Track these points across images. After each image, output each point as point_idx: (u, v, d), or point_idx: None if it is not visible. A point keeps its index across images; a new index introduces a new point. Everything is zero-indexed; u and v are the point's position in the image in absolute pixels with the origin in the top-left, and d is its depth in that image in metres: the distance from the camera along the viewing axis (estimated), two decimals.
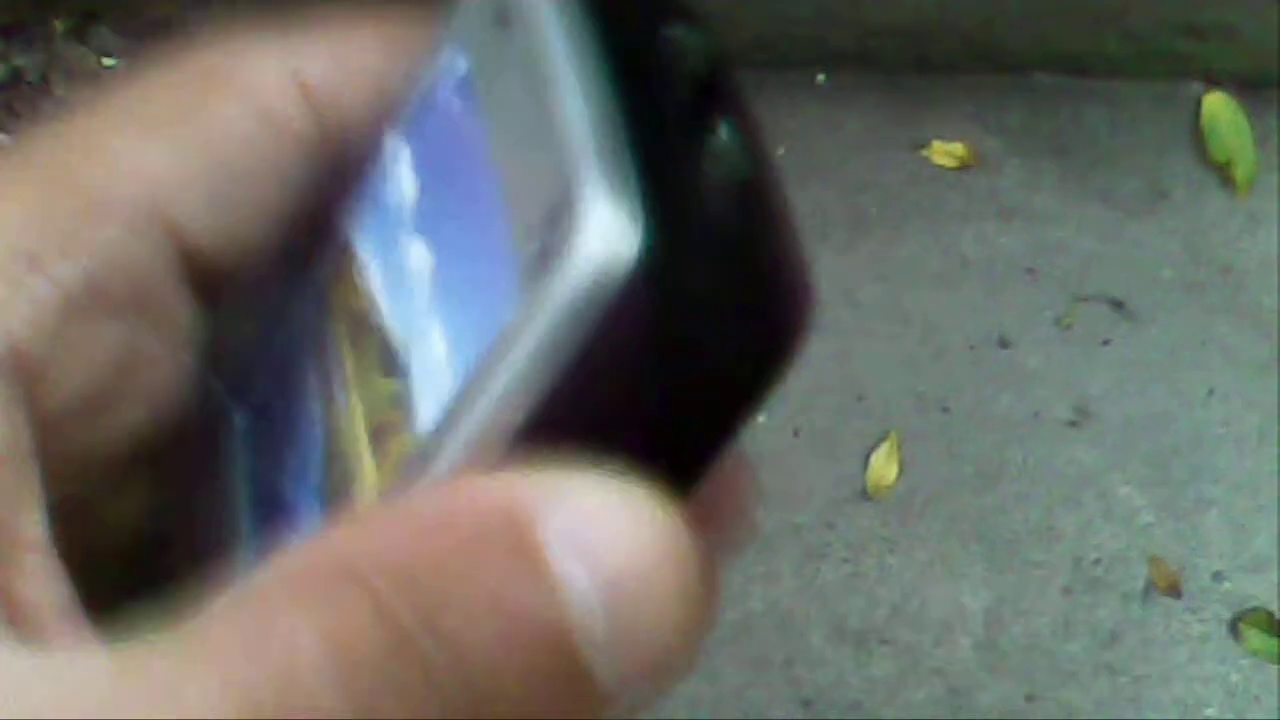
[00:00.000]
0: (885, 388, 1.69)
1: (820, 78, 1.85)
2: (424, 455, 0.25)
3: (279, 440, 0.30)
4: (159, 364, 0.28)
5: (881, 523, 1.63)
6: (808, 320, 0.24)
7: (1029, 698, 1.55)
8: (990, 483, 1.64)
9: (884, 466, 1.65)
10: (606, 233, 0.22)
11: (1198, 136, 1.78)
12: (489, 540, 0.22)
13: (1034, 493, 1.63)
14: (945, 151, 1.79)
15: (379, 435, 0.27)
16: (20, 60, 2.05)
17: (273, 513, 0.30)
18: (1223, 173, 1.76)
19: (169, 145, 0.27)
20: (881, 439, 1.66)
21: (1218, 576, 1.59)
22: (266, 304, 0.30)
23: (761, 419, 1.56)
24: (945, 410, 1.68)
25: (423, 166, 0.28)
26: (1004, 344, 1.71)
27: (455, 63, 0.27)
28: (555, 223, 0.23)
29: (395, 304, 0.27)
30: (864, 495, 1.64)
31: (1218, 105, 1.77)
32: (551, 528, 0.21)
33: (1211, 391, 1.67)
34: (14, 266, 0.25)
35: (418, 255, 0.27)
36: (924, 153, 1.80)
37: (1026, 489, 1.64)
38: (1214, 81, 1.79)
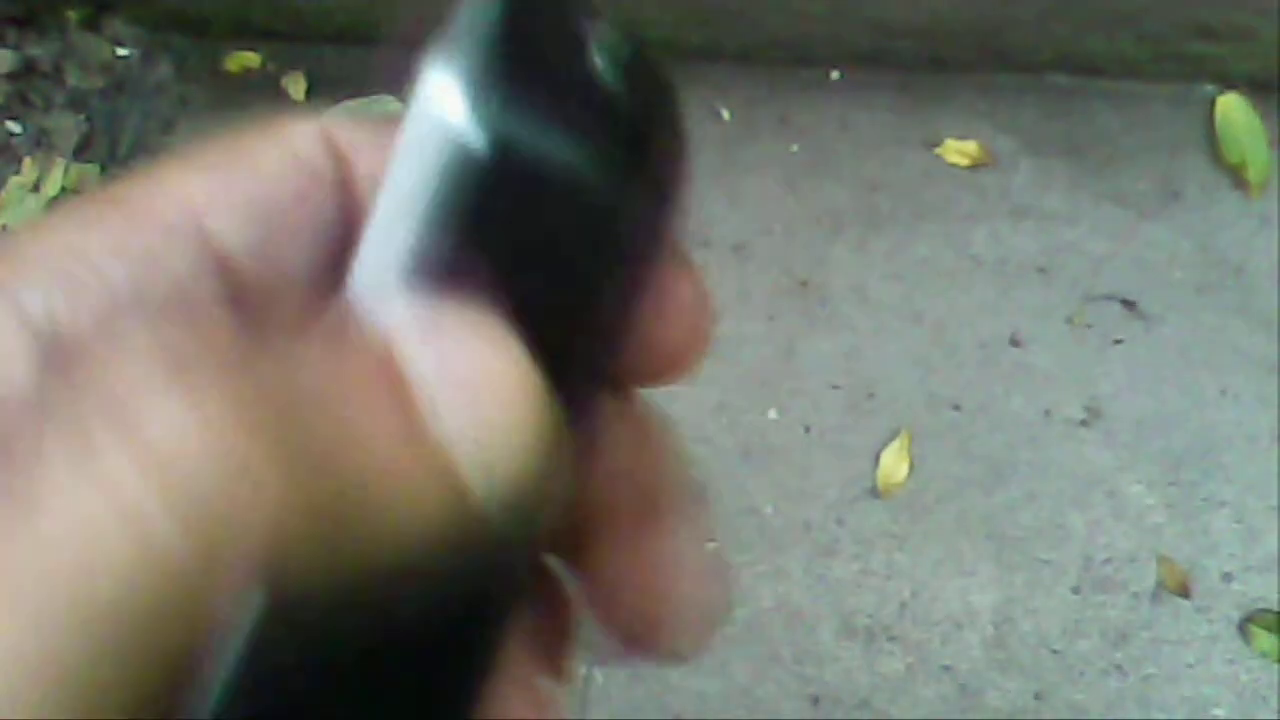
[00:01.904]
0: (896, 386, 1.70)
1: (835, 76, 1.85)
2: None
3: None
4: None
5: (891, 520, 1.63)
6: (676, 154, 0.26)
7: (1038, 696, 1.55)
8: (1001, 481, 1.64)
9: (894, 464, 1.65)
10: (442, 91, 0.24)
11: (1211, 138, 1.78)
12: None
13: (1044, 492, 1.64)
14: (958, 150, 1.80)
15: None
16: (34, 50, 2.06)
17: None
18: (1236, 174, 1.76)
19: (209, 175, 0.29)
20: (892, 437, 1.66)
21: (1227, 577, 1.59)
22: None
23: (773, 415, 1.57)
24: (956, 409, 1.68)
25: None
26: (1015, 343, 1.71)
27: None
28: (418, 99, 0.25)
29: None
30: (874, 493, 1.64)
31: (1231, 106, 1.77)
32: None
33: (1223, 392, 1.67)
34: (64, 258, 0.27)
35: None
36: (937, 152, 1.80)
37: (1037, 488, 1.64)
38: (1228, 83, 1.79)
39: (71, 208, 0.29)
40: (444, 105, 0.24)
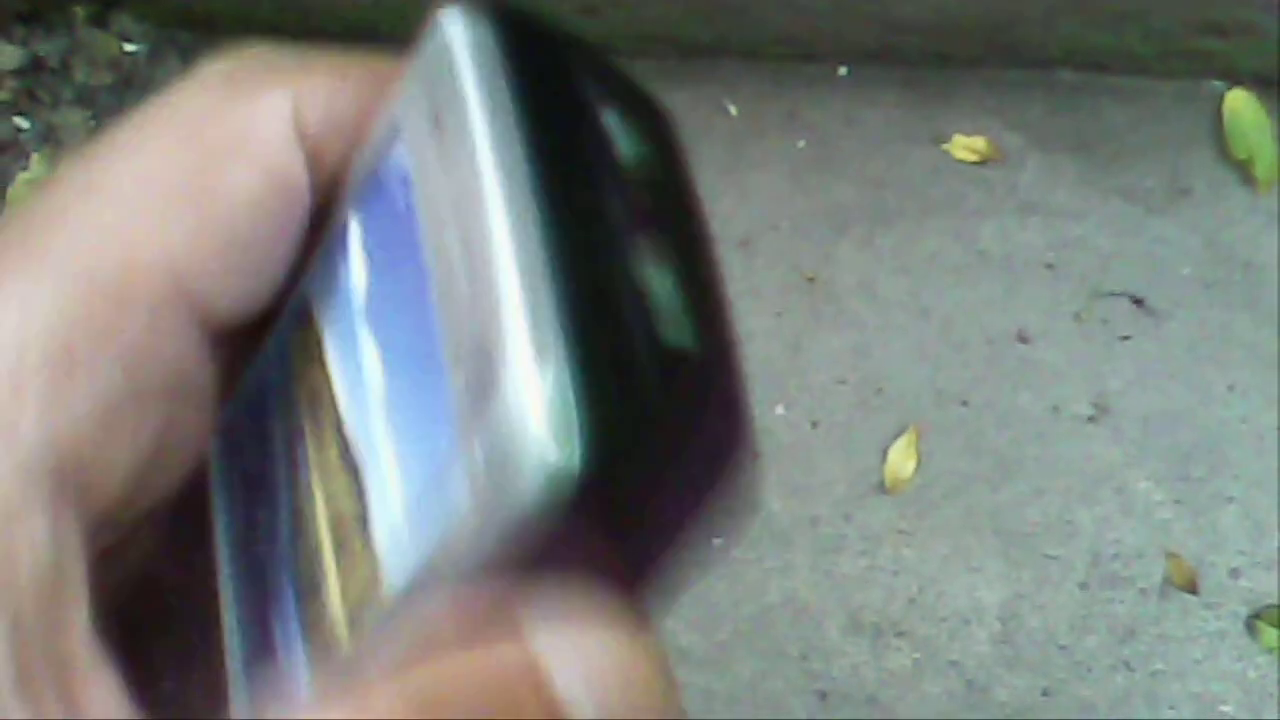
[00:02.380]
0: (904, 381, 1.69)
1: (842, 71, 1.85)
2: (388, 615, 0.26)
3: (251, 489, 0.31)
4: (191, 432, 0.29)
5: (899, 516, 1.63)
6: (746, 486, 0.25)
7: (1045, 692, 1.55)
8: (1008, 477, 1.64)
9: (902, 460, 1.65)
10: (541, 449, 0.22)
11: (1219, 133, 1.78)
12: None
13: (1052, 487, 1.64)
14: (966, 146, 1.79)
15: (339, 529, 0.28)
16: (41, 46, 2.06)
17: (250, 567, 0.31)
18: (1244, 170, 1.75)
19: (185, 224, 0.27)
20: (900, 432, 1.66)
21: (1235, 573, 1.59)
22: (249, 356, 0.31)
23: (780, 411, 1.57)
24: (964, 404, 1.68)
25: (372, 249, 0.28)
26: (1023, 339, 1.71)
27: (396, 146, 0.27)
28: (489, 413, 0.23)
29: (350, 397, 0.28)
30: (882, 488, 1.64)
31: (1239, 102, 1.77)
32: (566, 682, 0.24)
33: (1231, 388, 1.67)
34: (51, 372, 0.25)
35: (368, 350, 0.27)
36: (945, 147, 1.80)
37: (1044, 484, 1.64)
38: (1236, 79, 1.78)
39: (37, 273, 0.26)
40: (543, 466, 0.22)
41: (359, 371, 0.27)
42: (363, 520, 0.27)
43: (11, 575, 0.24)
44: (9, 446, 0.25)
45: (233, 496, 0.31)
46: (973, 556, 1.61)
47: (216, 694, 0.31)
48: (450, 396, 0.24)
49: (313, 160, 0.28)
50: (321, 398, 0.29)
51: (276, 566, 0.30)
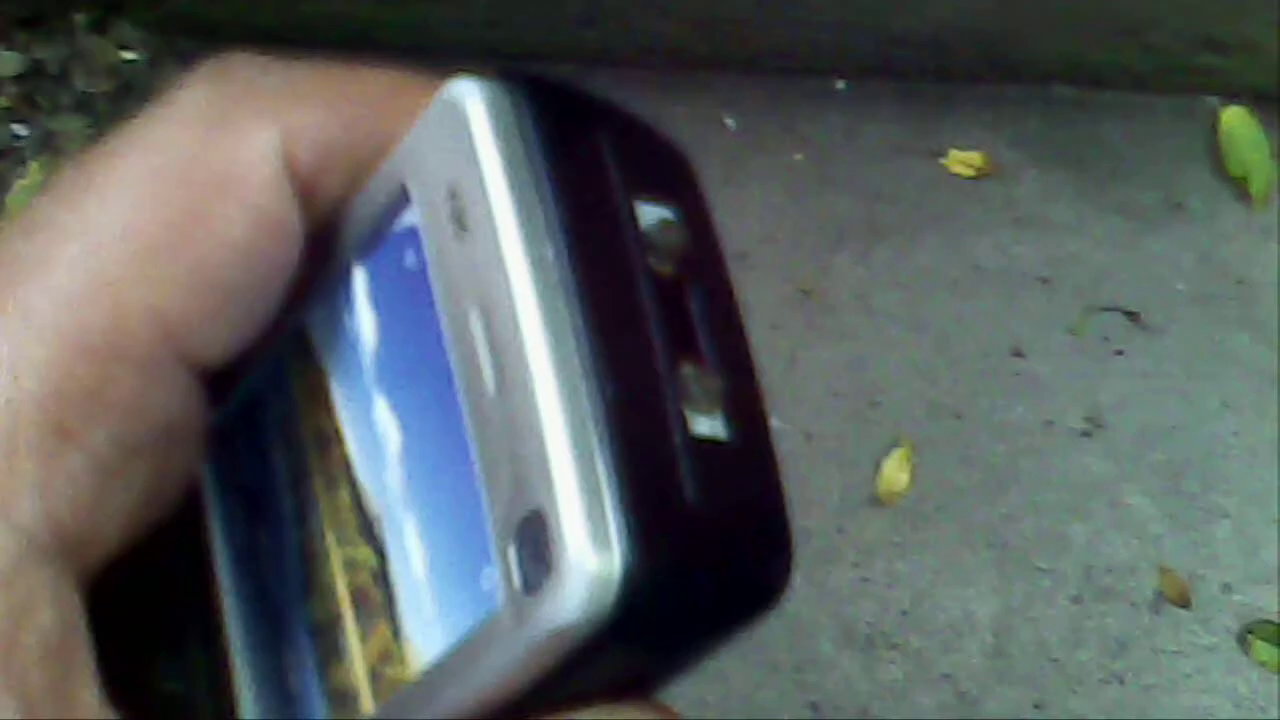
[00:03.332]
0: (898, 394, 1.70)
1: (840, 85, 1.86)
2: (415, 693, 0.26)
3: (250, 506, 0.31)
4: (182, 468, 0.28)
5: (892, 529, 1.63)
6: (784, 589, 0.24)
7: (1037, 705, 1.55)
8: (1002, 491, 1.65)
9: (896, 473, 1.65)
10: (584, 561, 0.22)
11: (1215, 150, 1.79)
12: None
13: (1045, 501, 1.64)
14: (963, 161, 1.80)
15: (362, 601, 0.27)
16: (41, 53, 2.06)
17: (254, 591, 0.31)
18: (1239, 186, 1.76)
19: (174, 274, 0.25)
20: (894, 445, 1.67)
21: (1227, 588, 1.59)
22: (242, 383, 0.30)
23: (775, 423, 1.58)
24: (958, 418, 1.68)
25: (381, 306, 0.27)
26: (1018, 353, 1.71)
27: (406, 211, 0.26)
28: (532, 539, 0.22)
29: (364, 454, 0.27)
30: (875, 501, 1.64)
31: (1235, 119, 1.78)
32: None
33: (1224, 403, 1.67)
34: (44, 442, 0.25)
35: (384, 414, 0.27)
36: (942, 162, 1.81)
37: (1038, 497, 1.64)
38: (1232, 96, 1.79)
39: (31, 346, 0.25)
40: (590, 590, 0.22)
41: (373, 431, 0.27)
42: (382, 580, 0.27)
43: (18, 655, 0.24)
44: (7, 524, 0.24)
45: (228, 505, 0.31)
46: (966, 569, 1.61)
47: (217, 696, 0.31)
48: (479, 490, 0.24)
49: (305, 198, 0.27)
50: (329, 443, 0.28)
51: (287, 601, 0.30)
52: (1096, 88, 1.82)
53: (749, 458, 0.24)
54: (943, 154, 1.81)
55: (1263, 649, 1.55)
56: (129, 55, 2.04)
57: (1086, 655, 1.57)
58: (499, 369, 0.23)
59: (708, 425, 0.24)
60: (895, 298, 1.75)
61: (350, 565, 0.28)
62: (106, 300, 0.25)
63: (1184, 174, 1.79)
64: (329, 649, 0.28)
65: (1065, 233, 1.77)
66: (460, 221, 0.24)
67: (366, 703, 0.27)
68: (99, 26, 2.05)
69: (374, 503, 0.27)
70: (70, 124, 2.02)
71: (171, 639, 0.32)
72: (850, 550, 1.62)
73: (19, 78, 2.05)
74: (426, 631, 0.25)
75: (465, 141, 0.24)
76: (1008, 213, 1.78)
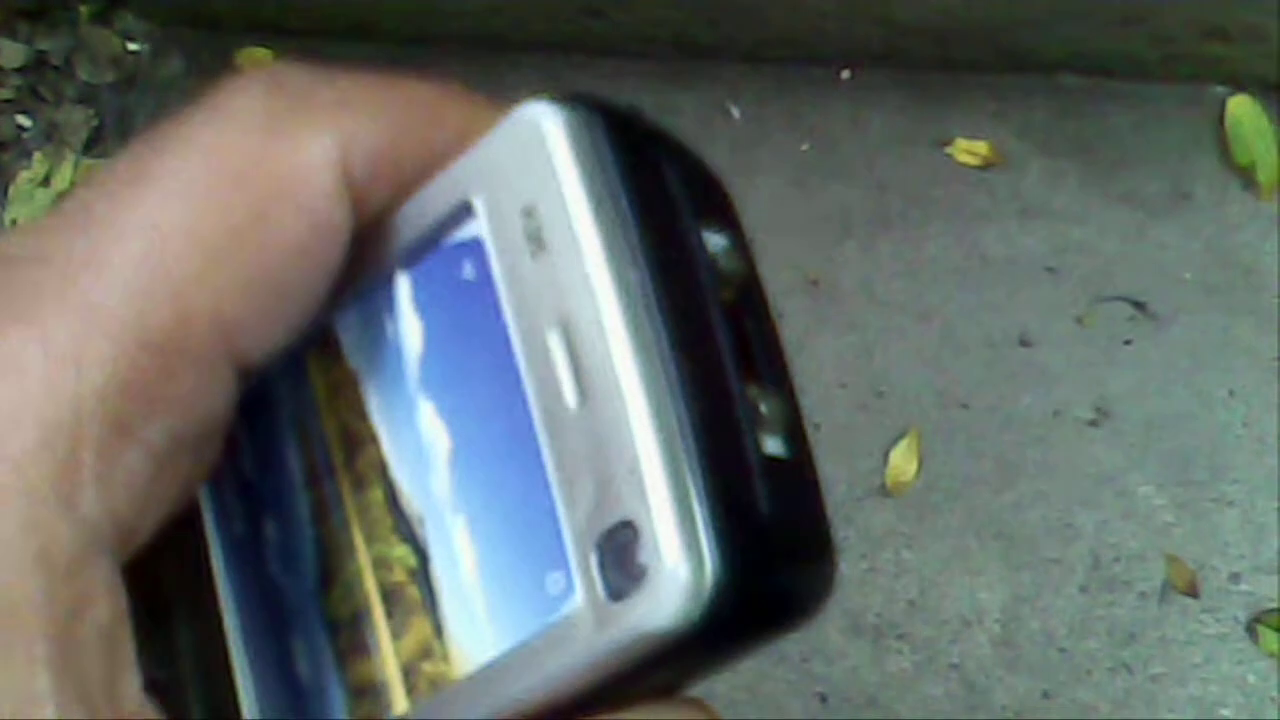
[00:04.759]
0: (905, 384, 1.70)
1: (845, 74, 1.85)
2: (464, 694, 0.27)
3: (255, 498, 0.31)
4: (212, 459, 0.29)
5: (900, 519, 1.63)
6: (830, 595, 0.27)
7: (1045, 695, 1.55)
8: (1009, 480, 1.64)
9: (903, 463, 1.65)
10: (681, 584, 0.23)
11: (1222, 139, 1.78)
12: None
13: (1053, 491, 1.64)
14: (969, 150, 1.80)
15: (395, 599, 0.28)
16: (45, 44, 2.06)
17: (260, 584, 0.31)
18: (1246, 175, 1.76)
19: (235, 275, 0.26)
20: (901, 435, 1.66)
21: (1235, 577, 1.59)
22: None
23: None
24: (965, 407, 1.68)
25: (431, 315, 0.28)
26: (1025, 343, 1.71)
27: (468, 224, 0.27)
28: (619, 548, 0.24)
29: (404, 457, 0.28)
30: (883, 491, 1.64)
31: (1242, 108, 1.77)
32: None
33: (1232, 393, 1.67)
34: (108, 438, 0.25)
35: (429, 419, 0.28)
36: (948, 151, 1.80)
37: (1046, 487, 1.64)
38: (1239, 84, 1.79)
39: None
40: (683, 601, 0.24)
41: (416, 435, 0.28)
42: (422, 579, 0.28)
43: (77, 649, 0.24)
44: (72, 516, 0.25)
45: (220, 493, 0.31)
46: (973, 559, 1.61)
47: (210, 683, 0.31)
48: (550, 499, 0.25)
49: (356, 205, 0.28)
50: (360, 443, 0.29)
51: (299, 593, 0.30)
52: (1103, 77, 1.82)
53: (803, 474, 0.26)
54: (949, 143, 1.80)
55: (1271, 638, 1.55)
56: (133, 46, 2.03)
57: (1094, 645, 1.57)
58: (582, 384, 0.25)
59: (774, 444, 0.25)
60: (901, 287, 1.74)
61: (382, 563, 0.28)
62: (171, 296, 0.26)
63: (1191, 163, 1.78)
64: (351, 643, 0.29)
65: (1072, 222, 1.77)
66: (537, 240, 0.25)
67: (398, 697, 0.28)
68: (103, 18, 2.05)
69: (414, 504, 0.28)
70: (74, 115, 2.02)
71: (157, 625, 0.32)
72: (858, 540, 1.62)
73: (22, 69, 2.05)
74: (477, 631, 0.27)
75: (545, 163, 0.25)
76: (1014, 202, 1.78)
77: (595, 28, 1.78)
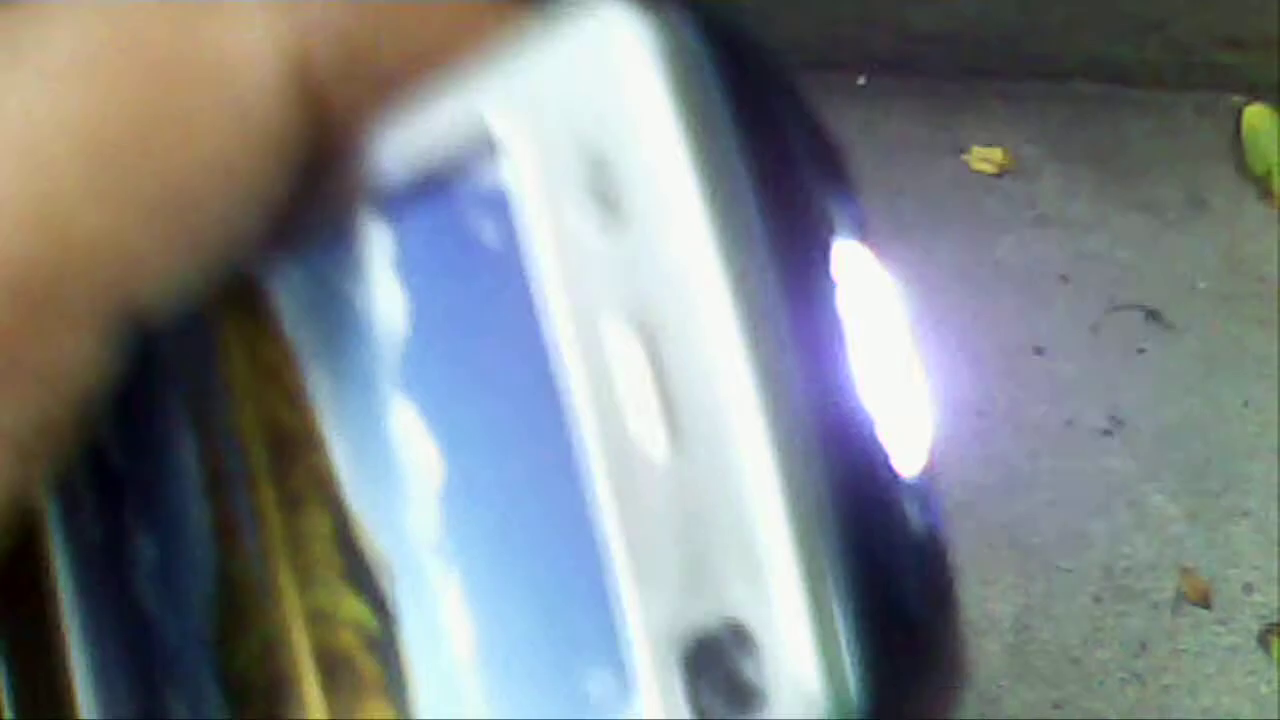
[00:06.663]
0: None
1: (861, 81, 1.85)
2: None
3: (116, 502, 0.23)
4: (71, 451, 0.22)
5: None
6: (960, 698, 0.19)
7: (1056, 705, 1.55)
8: (1022, 489, 1.64)
9: None
10: (807, 692, 0.16)
11: (1237, 148, 1.78)
12: None
13: (1066, 500, 1.63)
14: (984, 157, 1.79)
15: (338, 668, 0.21)
16: None
17: (116, 618, 0.23)
18: (1261, 184, 1.75)
19: (134, 193, 0.18)
20: None
21: (1248, 588, 1.58)
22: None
23: None
24: (979, 415, 1.68)
25: (422, 291, 0.20)
26: (1039, 351, 1.71)
27: (490, 168, 0.19)
28: (720, 656, 0.17)
29: (366, 483, 0.21)
30: None
31: (1258, 117, 1.77)
32: None
33: (1246, 402, 1.66)
34: None
35: (413, 439, 0.20)
36: (963, 158, 1.80)
37: (1058, 496, 1.64)
38: (1254, 93, 1.78)
39: None
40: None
41: (388, 451, 0.20)
42: (385, 648, 0.20)
43: None
44: None
45: (76, 485, 0.23)
46: (986, 568, 1.61)
47: (51, 698, 0.24)
48: (604, 577, 0.18)
49: (312, 115, 0.19)
50: (294, 447, 0.21)
51: (183, 633, 0.22)
52: (1119, 85, 1.82)
53: (946, 556, 0.19)
54: (964, 150, 1.80)
55: None
56: None
57: (1107, 655, 1.56)
58: (673, 418, 0.17)
59: (920, 517, 0.18)
60: (915, 294, 1.72)
61: (321, 618, 0.21)
62: (47, 223, 0.18)
63: (1206, 171, 1.78)
64: (261, 711, 0.21)
65: (1087, 230, 1.76)
66: (608, 203, 0.18)
67: None
68: None
69: (377, 545, 0.20)
70: None
71: None
72: None
73: None
74: None
75: (631, 96, 0.18)
76: (1029, 210, 1.78)
77: None
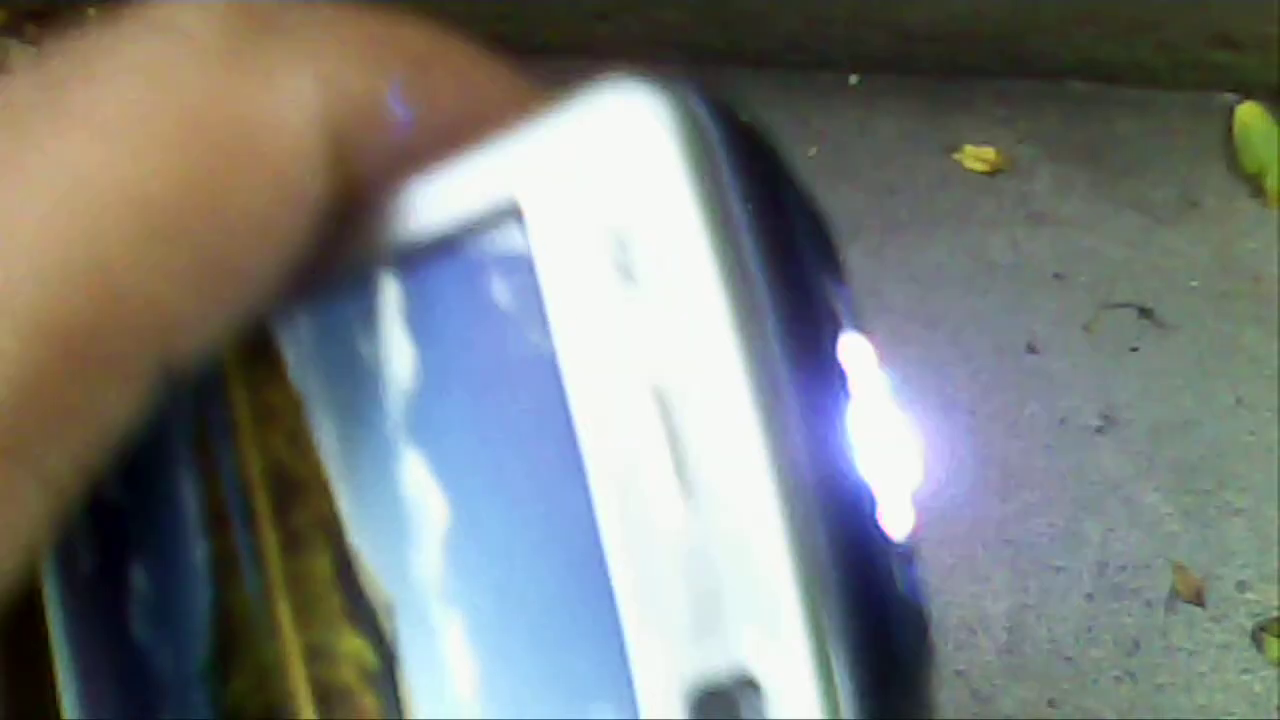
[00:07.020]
0: (912, 391, 1.69)
1: (853, 80, 1.85)
2: None
3: (120, 545, 0.24)
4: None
5: None
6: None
7: (1050, 703, 1.55)
8: (1015, 487, 1.64)
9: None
10: None
11: (1230, 146, 1.78)
12: None
13: (1059, 498, 1.63)
14: (977, 156, 1.79)
15: (336, 702, 0.22)
16: (53, 46, 2.06)
17: (109, 651, 0.24)
18: (1254, 183, 1.75)
19: (178, 250, 0.19)
20: None
21: (1241, 586, 1.59)
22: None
23: None
24: (971, 414, 1.68)
25: (434, 345, 0.21)
26: (1032, 349, 1.71)
27: (510, 231, 0.20)
28: (725, 705, 0.18)
29: (371, 527, 0.21)
30: None
31: (1250, 116, 1.77)
32: None
33: (1239, 400, 1.67)
34: None
35: (419, 486, 0.21)
36: (955, 157, 1.80)
37: (1052, 494, 1.64)
38: (1247, 92, 1.78)
39: None
40: None
41: (396, 497, 0.21)
42: (384, 684, 0.21)
43: None
44: None
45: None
46: (979, 567, 1.61)
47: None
48: (610, 621, 0.19)
49: (336, 173, 0.20)
50: (298, 491, 0.22)
51: (178, 671, 0.23)
52: (1112, 84, 1.82)
53: (925, 611, 0.20)
54: (957, 149, 1.80)
55: (1277, 647, 1.55)
56: None
57: (1100, 653, 1.57)
58: (686, 480, 0.18)
59: (905, 576, 0.20)
60: (908, 293, 1.74)
61: (321, 654, 0.22)
62: (96, 277, 0.18)
63: (1199, 170, 1.78)
64: None
65: (1080, 229, 1.76)
66: (626, 270, 0.19)
67: None
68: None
69: (381, 586, 0.21)
70: None
71: None
72: None
73: None
74: None
75: (650, 171, 0.19)
76: (1022, 208, 1.78)
77: (603, 32, 1.78)
